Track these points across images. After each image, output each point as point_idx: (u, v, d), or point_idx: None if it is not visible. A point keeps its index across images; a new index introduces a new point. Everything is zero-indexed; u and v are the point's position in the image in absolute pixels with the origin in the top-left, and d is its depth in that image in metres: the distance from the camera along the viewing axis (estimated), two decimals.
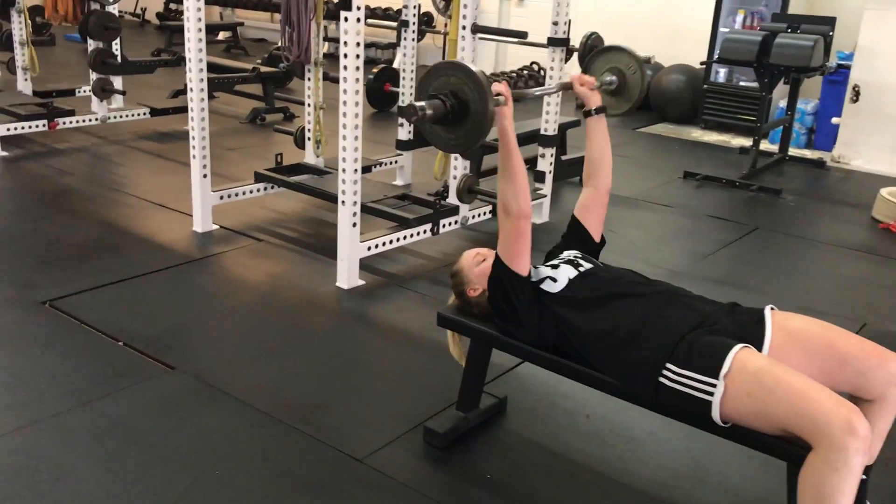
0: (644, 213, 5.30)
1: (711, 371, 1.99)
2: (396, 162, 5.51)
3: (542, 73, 9.91)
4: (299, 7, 4.43)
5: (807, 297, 4.07)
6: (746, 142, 7.48)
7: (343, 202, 3.71)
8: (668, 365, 2.06)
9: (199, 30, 4.11)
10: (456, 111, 2.18)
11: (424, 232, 4.15)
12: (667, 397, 2.07)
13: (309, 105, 4.84)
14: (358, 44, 3.50)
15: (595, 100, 2.62)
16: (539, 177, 4.82)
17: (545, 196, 4.79)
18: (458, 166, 4.27)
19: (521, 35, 4.29)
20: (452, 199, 4.37)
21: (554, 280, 2.34)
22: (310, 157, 4.98)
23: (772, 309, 2.19)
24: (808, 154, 7.35)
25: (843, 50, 7.34)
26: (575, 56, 4.60)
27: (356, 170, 3.67)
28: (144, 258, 4.04)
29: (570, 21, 4.55)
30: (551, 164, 4.79)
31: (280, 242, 4.40)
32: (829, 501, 1.80)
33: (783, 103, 7.39)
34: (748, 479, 2.57)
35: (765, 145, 6.84)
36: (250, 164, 5.44)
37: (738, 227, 5.14)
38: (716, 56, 7.89)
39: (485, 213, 4.51)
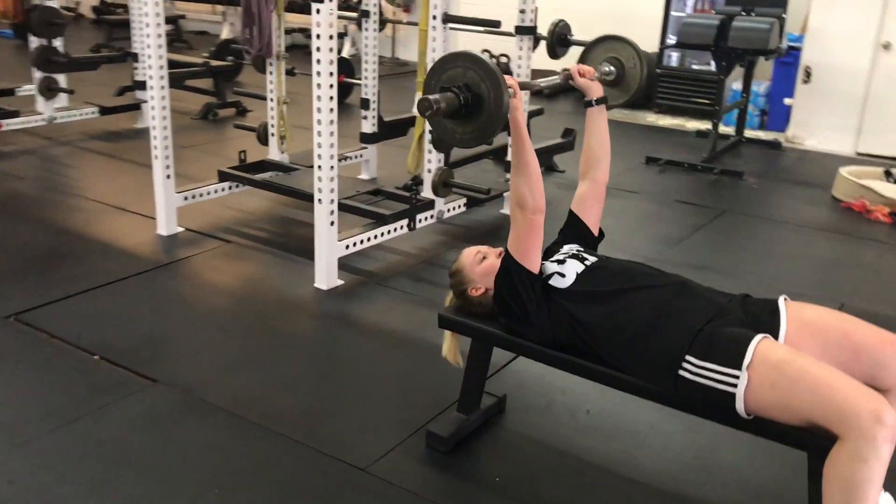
0: (612, 200, 5.23)
1: (734, 362, 1.96)
2: (361, 156, 5.40)
3: (495, 60, 9.85)
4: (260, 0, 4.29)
5: (783, 280, 4.10)
6: (701, 125, 7.56)
7: (320, 200, 3.60)
8: (688, 357, 2.03)
9: (158, 24, 3.94)
10: (470, 105, 2.09)
11: (401, 228, 4.06)
12: (687, 391, 2.03)
13: (272, 100, 4.69)
14: (331, 36, 3.39)
15: (596, 90, 2.57)
16: (509, 167, 4.75)
17: None
18: (433, 159, 4.19)
19: (494, 24, 4.21)
20: (425, 192, 4.28)
21: (562, 275, 2.28)
22: (274, 153, 4.84)
23: (785, 299, 2.17)
24: (763, 135, 7.44)
25: (793, 32, 7.45)
26: (543, 44, 4.53)
27: (333, 166, 3.57)
28: (110, 265, 3.86)
29: (536, 9, 4.49)
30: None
31: (250, 243, 4.26)
32: (860, 492, 1.78)
33: (736, 86, 7.49)
34: (756, 468, 2.56)
35: (720, 128, 6.89)
36: (208, 162, 5.29)
37: (705, 212, 5.17)
38: (669, 40, 7.98)
39: (460, 207, 4.44)
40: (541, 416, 2.81)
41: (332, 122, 3.50)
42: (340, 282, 3.76)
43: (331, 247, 3.67)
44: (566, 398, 2.90)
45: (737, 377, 1.94)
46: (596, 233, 2.55)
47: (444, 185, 4.15)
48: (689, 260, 4.30)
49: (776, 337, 2.07)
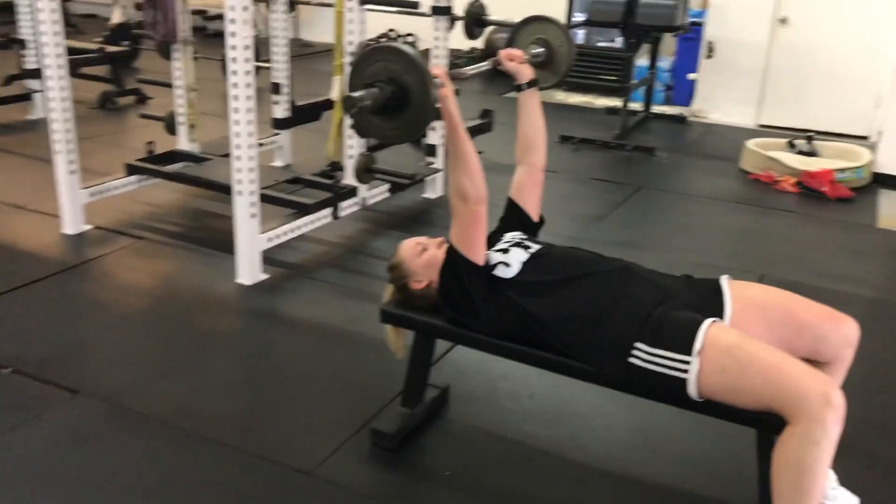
0: None
1: (684, 348, 1.96)
2: (275, 142, 5.22)
3: (399, 39, 9.73)
4: None
5: (703, 252, 4.19)
6: (609, 102, 7.66)
7: (240, 192, 3.45)
8: (638, 344, 2.02)
9: (54, 10, 3.68)
10: (396, 99, 2.02)
11: (325, 217, 3.94)
12: (639, 377, 2.03)
13: (179, 87, 4.48)
14: (246, 20, 3.23)
15: (526, 73, 2.52)
16: (430, 150, 4.69)
17: (440, 170, 4.67)
18: (355, 145, 4.08)
19: (412, 5, 4.11)
20: (347, 179, 4.17)
21: (507, 265, 2.24)
22: (183, 142, 4.62)
23: (728, 279, 2.19)
24: (669, 110, 7.59)
25: (694, 7, 7.60)
26: (459, 25, 4.47)
27: (252, 156, 3.42)
28: (13, 269, 3.62)
29: None
30: (443, 136, 4.68)
31: (164, 239, 4.06)
32: (810, 473, 1.82)
33: (641, 62, 7.59)
34: (701, 444, 2.58)
35: (629, 104, 6.99)
36: (112, 154, 5.03)
37: (622, 188, 5.23)
38: (575, 18, 8.03)
39: (383, 193, 4.35)
40: (484, 404, 2.78)
41: (249, 109, 3.35)
42: (265, 276, 3.63)
43: (253, 240, 3.52)
44: (508, 384, 2.87)
45: (688, 363, 1.95)
46: (536, 219, 2.52)
47: (366, 172, 4.05)
48: (612, 237, 4.34)
49: (722, 317, 2.09)
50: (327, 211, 3.94)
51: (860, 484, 2.21)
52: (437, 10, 4.39)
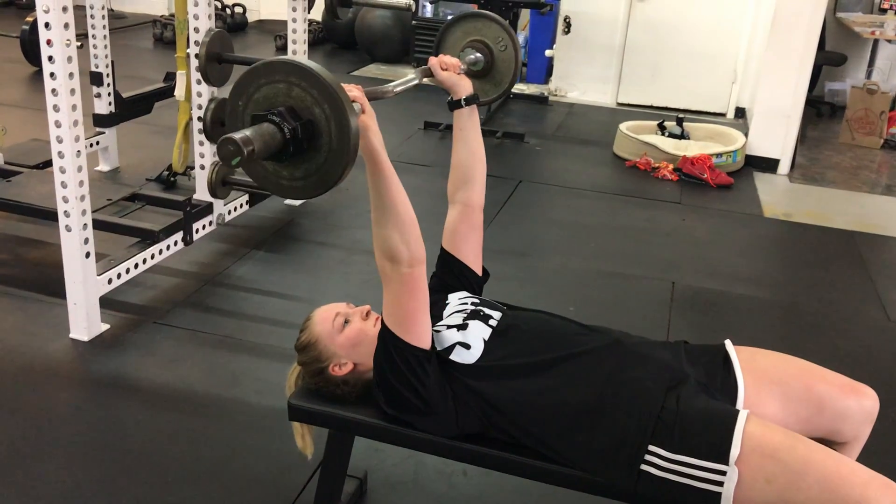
0: (402, 176, 4.73)
1: (716, 454, 1.52)
2: (98, 143, 4.37)
3: (226, 11, 8.83)
4: None
5: (606, 258, 3.83)
6: None
7: (68, 227, 2.68)
8: (653, 448, 1.56)
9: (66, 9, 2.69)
10: (300, 139, 1.40)
11: (176, 244, 3.23)
12: (653, 490, 1.57)
13: None
14: None
15: (465, 86, 1.99)
16: None
17: None
18: (206, 153, 3.37)
19: None
20: (198, 191, 3.46)
21: (466, 347, 1.71)
22: None
23: (731, 345, 1.79)
24: (527, 89, 7.25)
25: None
26: (319, 5, 3.83)
27: (81, 176, 2.64)
28: None
29: None
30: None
31: None
32: None
33: None
34: None
35: None
36: None
37: (502, 183, 4.78)
38: None
39: (242, 206, 3.67)
40: (411, 490, 2.25)
41: (74, 106, 2.57)
42: (105, 326, 2.90)
43: (89, 285, 2.78)
44: (434, 460, 2.34)
45: (723, 473, 1.51)
46: (479, 271, 2.00)
47: (223, 185, 3.36)
48: (506, 245, 3.90)
49: (735, 396, 1.69)
50: (178, 236, 3.23)
51: None
52: None
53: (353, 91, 1.54)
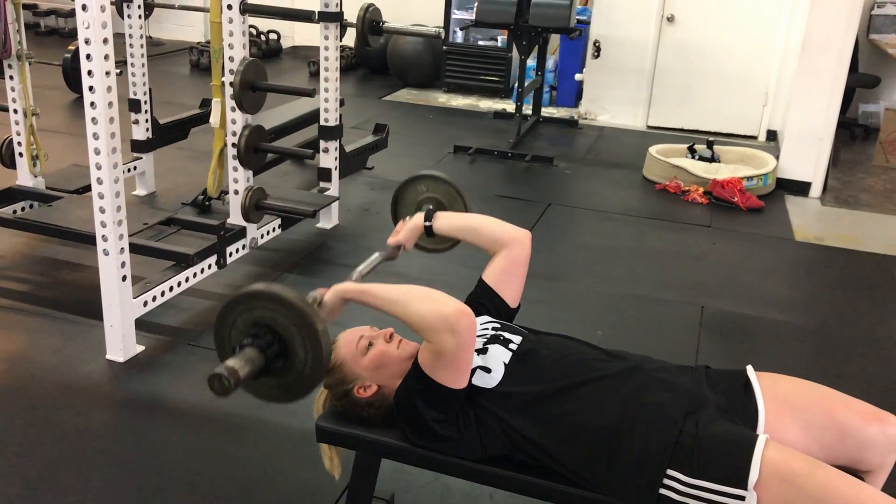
0: None
1: (735, 479, 1.53)
2: (135, 168, 4.48)
3: (261, 37, 9.00)
4: None
5: (635, 281, 3.83)
6: (494, 104, 7.30)
7: (106, 252, 2.76)
8: (672, 473, 1.58)
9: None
10: (277, 356, 1.55)
11: (210, 267, 3.30)
12: None
13: (15, 111, 3.68)
14: (104, 22, 2.54)
15: (416, 220, 2.08)
16: (324, 175, 4.11)
17: (337, 198, 4.09)
18: (240, 178, 3.44)
19: (306, 16, 3.51)
20: (233, 216, 3.53)
21: (487, 371, 1.74)
22: (24, 177, 3.82)
23: (752, 370, 1.80)
24: (557, 113, 7.29)
25: (577, 5, 7.32)
26: (351, 31, 3.91)
27: (120, 205, 2.73)
28: None
29: None
30: (336, 158, 4.11)
31: (7, 303, 3.30)
32: None
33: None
34: None
35: (512, 107, 6.63)
36: None
37: (531, 207, 4.82)
38: (455, 14, 7.61)
39: (275, 230, 3.74)
40: None
41: (113, 134, 2.65)
42: (140, 348, 2.97)
43: (125, 308, 2.85)
44: (460, 483, 2.36)
45: (742, 498, 1.52)
46: (514, 305, 2.04)
47: (256, 209, 3.44)
48: (537, 269, 3.89)
49: (756, 421, 1.69)
50: (212, 259, 3.30)
51: None
52: (325, 17, 3.79)
53: (324, 293, 1.72)
